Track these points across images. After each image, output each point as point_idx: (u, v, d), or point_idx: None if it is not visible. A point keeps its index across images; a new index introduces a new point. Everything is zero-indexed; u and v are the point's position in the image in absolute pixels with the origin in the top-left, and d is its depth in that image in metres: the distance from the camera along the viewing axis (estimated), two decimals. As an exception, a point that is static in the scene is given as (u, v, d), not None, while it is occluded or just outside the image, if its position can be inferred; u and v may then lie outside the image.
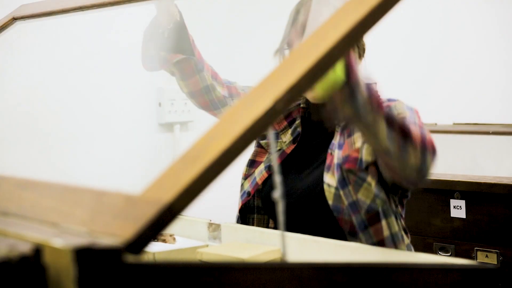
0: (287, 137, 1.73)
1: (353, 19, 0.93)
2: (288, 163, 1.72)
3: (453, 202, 2.43)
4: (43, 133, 2.63)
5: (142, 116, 2.93)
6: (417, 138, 1.38)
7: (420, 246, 2.47)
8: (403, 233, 1.65)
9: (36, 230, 0.77)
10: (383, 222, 1.59)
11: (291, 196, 1.68)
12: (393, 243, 1.60)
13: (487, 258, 2.42)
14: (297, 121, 1.75)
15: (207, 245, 1.53)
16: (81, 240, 0.71)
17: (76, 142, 2.70)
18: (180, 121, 2.98)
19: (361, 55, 1.77)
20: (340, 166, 1.62)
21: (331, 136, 1.70)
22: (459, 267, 1.02)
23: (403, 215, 1.70)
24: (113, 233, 0.73)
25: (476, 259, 2.43)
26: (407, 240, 1.65)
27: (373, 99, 1.24)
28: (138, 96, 2.92)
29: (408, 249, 1.65)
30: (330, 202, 1.60)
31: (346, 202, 1.59)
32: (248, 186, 1.79)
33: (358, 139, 1.63)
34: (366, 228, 1.59)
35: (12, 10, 2.13)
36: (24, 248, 0.68)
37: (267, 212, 1.77)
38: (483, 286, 1.01)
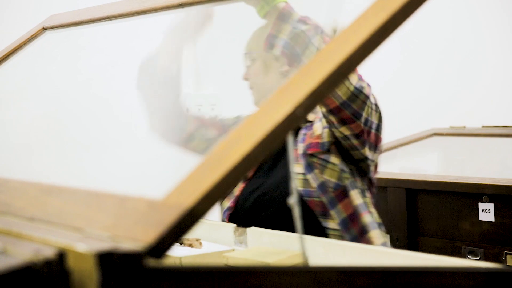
0: None
1: (374, 24, 0.93)
2: (261, 167, 1.86)
3: (481, 206, 2.41)
4: (73, 140, 2.66)
5: (170, 122, 2.94)
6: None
7: (448, 250, 2.46)
8: (376, 217, 1.78)
9: (61, 235, 0.78)
10: (351, 193, 1.73)
11: (264, 194, 1.80)
12: (362, 214, 1.74)
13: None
14: None
15: (233, 250, 1.54)
16: (104, 244, 0.72)
17: (105, 148, 2.72)
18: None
19: None
20: (304, 154, 1.76)
21: (295, 135, 1.82)
22: (484, 270, 1.02)
23: (373, 202, 1.81)
24: (135, 238, 0.74)
25: (506, 262, 2.41)
26: (383, 237, 1.78)
27: None
28: (166, 101, 2.94)
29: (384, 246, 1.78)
30: (299, 188, 1.74)
31: (314, 185, 1.73)
32: (228, 203, 1.89)
33: (317, 128, 1.77)
34: (336, 205, 1.72)
35: (42, 20, 2.16)
36: (48, 252, 0.70)
37: (241, 217, 1.86)
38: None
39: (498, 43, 3.96)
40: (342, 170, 1.74)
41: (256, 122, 0.86)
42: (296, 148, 1.80)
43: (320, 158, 1.74)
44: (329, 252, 1.39)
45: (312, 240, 1.42)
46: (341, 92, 1.66)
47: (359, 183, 1.77)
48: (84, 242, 0.74)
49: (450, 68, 3.81)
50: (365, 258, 1.31)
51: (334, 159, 1.74)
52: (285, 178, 1.78)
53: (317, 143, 1.76)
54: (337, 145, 1.75)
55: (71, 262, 0.71)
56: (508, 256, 2.41)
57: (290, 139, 0.87)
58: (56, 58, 2.60)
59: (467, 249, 2.45)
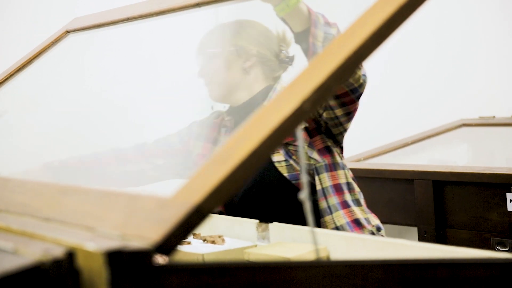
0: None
1: (380, 18, 0.93)
2: None
3: (509, 196, 2.39)
4: (99, 138, 2.69)
5: (195, 119, 2.96)
6: None
7: (477, 241, 2.44)
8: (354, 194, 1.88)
9: (72, 234, 0.80)
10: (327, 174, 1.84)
11: (256, 186, 1.87)
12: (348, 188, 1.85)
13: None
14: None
15: (255, 245, 1.55)
16: (113, 243, 0.73)
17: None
18: (233, 123, 3.01)
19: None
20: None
21: None
22: (500, 261, 1.01)
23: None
24: (143, 236, 0.75)
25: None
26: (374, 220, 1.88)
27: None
28: (190, 100, 2.96)
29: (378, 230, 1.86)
30: (285, 174, 1.83)
31: (298, 168, 1.83)
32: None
33: None
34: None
35: (66, 24, 2.19)
36: (58, 252, 0.71)
37: (229, 209, 1.94)
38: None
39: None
40: (310, 154, 1.85)
41: (264, 118, 0.86)
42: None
43: (295, 145, 1.83)
44: (350, 246, 1.39)
45: (333, 235, 1.42)
46: (353, 79, 1.73)
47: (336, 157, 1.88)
48: (94, 241, 0.75)
49: (478, 58, 3.77)
50: (384, 252, 1.31)
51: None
52: (270, 168, 1.85)
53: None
54: (306, 131, 1.85)
55: (81, 261, 0.73)
56: (538, 246, 2.39)
57: (299, 133, 0.87)
58: (80, 60, 2.63)
59: (495, 240, 2.43)
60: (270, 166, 1.85)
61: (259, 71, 1.98)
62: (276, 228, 1.59)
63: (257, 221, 1.62)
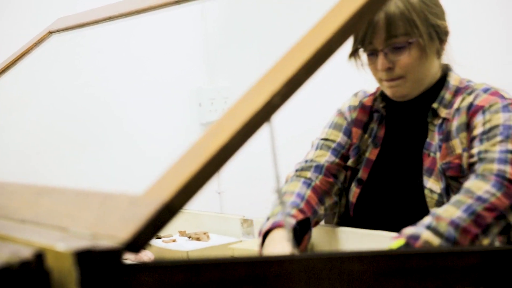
0: (367, 143, 1.67)
1: (350, 10, 0.93)
2: (377, 169, 1.66)
3: None
4: (79, 143, 2.69)
5: (183, 117, 2.96)
6: (503, 203, 1.37)
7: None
8: None
9: (44, 235, 0.79)
10: None
11: (390, 202, 1.62)
12: None
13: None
14: (373, 124, 1.68)
15: (240, 241, 1.55)
16: (83, 243, 0.73)
17: (119, 145, 2.75)
18: (221, 120, 3.01)
19: (443, 40, 1.63)
20: (443, 172, 1.56)
21: (420, 134, 1.63)
22: (478, 250, 1.01)
23: None
24: (114, 235, 0.75)
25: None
26: None
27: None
28: (178, 97, 2.96)
29: None
30: (431, 209, 1.54)
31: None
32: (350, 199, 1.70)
33: (458, 145, 1.56)
34: None
35: (49, 25, 2.19)
36: (26, 253, 0.71)
37: (362, 225, 1.68)
38: (506, 267, 1.00)
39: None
40: None
41: (234, 113, 0.86)
42: (431, 156, 1.60)
43: (461, 183, 1.52)
44: (361, 244, 1.38)
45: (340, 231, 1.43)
46: None
47: None
48: (64, 241, 0.75)
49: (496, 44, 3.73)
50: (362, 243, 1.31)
51: None
52: (418, 192, 1.60)
53: (458, 165, 1.55)
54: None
55: (51, 262, 0.72)
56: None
57: (269, 128, 0.87)
58: (63, 60, 2.63)
59: None
60: (420, 188, 1.59)
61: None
62: (261, 224, 1.59)
63: (242, 216, 1.63)
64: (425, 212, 1.53)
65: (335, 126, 1.69)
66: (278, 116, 0.85)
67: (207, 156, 0.80)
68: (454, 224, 1.31)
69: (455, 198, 1.37)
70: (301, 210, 1.51)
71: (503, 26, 3.12)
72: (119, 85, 2.77)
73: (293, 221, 1.45)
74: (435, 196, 1.56)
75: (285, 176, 1.64)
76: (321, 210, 1.57)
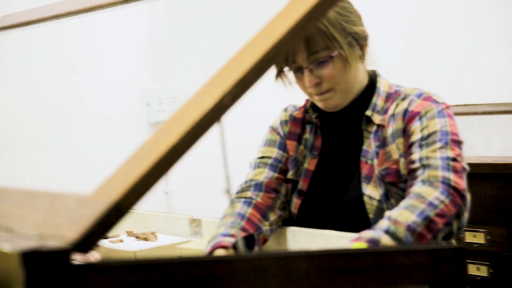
0: (304, 154, 1.68)
1: (299, 12, 0.93)
2: (317, 178, 1.67)
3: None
4: (32, 138, 2.65)
5: (131, 117, 2.94)
6: (450, 211, 1.40)
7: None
8: None
9: (-10, 236, 0.78)
10: None
11: (331, 211, 1.63)
12: None
13: (475, 238, 2.43)
14: (307, 135, 1.70)
15: (188, 241, 1.55)
16: (29, 243, 0.72)
17: (66, 145, 2.72)
18: (169, 120, 3.00)
19: (363, 45, 1.64)
20: (381, 179, 1.58)
21: (356, 142, 1.64)
22: (423, 249, 1.03)
23: None
24: (62, 235, 0.74)
25: (465, 239, 2.44)
26: None
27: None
28: (126, 97, 2.94)
29: None
30: (371, 215, 1.57)
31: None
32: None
33: (394, 151, 1.58)
34: None
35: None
36: (-29, 254, 0.70)
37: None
38: (450, 265, 1.02)
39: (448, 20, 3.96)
40: None
41: (184, 113, 0.86)
42: (368, 163, 1.61)
43: (399, 188, 1.56)
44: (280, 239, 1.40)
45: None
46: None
47: None
48: (11, 242, 0.74)
49: (409, 48, 3.80)
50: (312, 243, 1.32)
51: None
52: (358, 199, 1.61)
53: (396, 170, 1.57)
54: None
55: (-3, 262, 0.72)
56: (466, 233, 2.44)
57: (220, 129, 0.87)
58: (7, 59, 2.59)
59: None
60: (358, 196, 1.60)
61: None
62: (209, 223, 1.60)
63: (190, 216, 1.62)
64: (366, 219, 1.56)
65: (269, 143, 1.71)
66: (228, 117, 0.86)
67: (157, 157, 0.80)
68: (410, 229, 1.33)
69: (407, 202, 1.39)
70: (242, 229, 1.52)
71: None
72: (66, 84, 2.74)
73: (231, 240, 1.44)
74: (375, 203, 1.57)
75: (234, 177, 1.62)
76: (265, 226, 1.57)
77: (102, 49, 2.85)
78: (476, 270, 2.49)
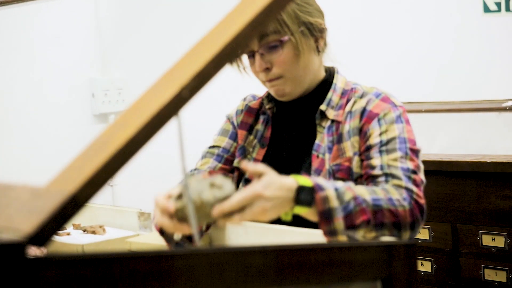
0: (253, 144, 1.67)
1: (259, 4, 0.93)
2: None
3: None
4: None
5: (76, 107, 2.90)
6: (405, 217, 1.41)
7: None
8: None
9: None
10: None
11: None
12: None
13: (419, 234, 2.47)
14: (259, 125, 1.69)
15: (137, 235, 1.53)
16: (-17, 236, 0.70)
17: (9, 135, 2.66)
18: (115, 111, 2.96)
19: (317, 37, 1.63)
20: (331, 174, 1.57)
21: (309, 136, 1.64)
22: (375, 245, 1.04)
23: None
24: (16, 228, 0.73)
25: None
26: None
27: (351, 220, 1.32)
28: (70, 88, 2.89)
29: None
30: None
31: None
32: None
33: (349, 148, 1.58)
34: None
35: None
36: None
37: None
38: (402, 261, 1.03)
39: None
40: None
41: (142, 105, 0.85)
42: (319, 157, 1.60)
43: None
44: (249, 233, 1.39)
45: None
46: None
47: None
48: (-37, 234, 0.72)
49: (353, 43, 3.84)
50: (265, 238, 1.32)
51: None
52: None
53: (348, 167, 1.57)
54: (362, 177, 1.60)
55: None
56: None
57: (178, 121, 0.87)
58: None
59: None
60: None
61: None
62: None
63: (139, 210, 1.61)
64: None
65: (222, 133, 1.71)
66: (186, 110, 0.85)
67: (115, 148, 0.78)
68: (357, 201, 1.33)
69: (371, 187, 1.41)
70: None
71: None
72: (8, 74, 2.68)
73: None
74: None
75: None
76: None
77: (47, 38, 2.80)
78: (420, 265, 2.53)
